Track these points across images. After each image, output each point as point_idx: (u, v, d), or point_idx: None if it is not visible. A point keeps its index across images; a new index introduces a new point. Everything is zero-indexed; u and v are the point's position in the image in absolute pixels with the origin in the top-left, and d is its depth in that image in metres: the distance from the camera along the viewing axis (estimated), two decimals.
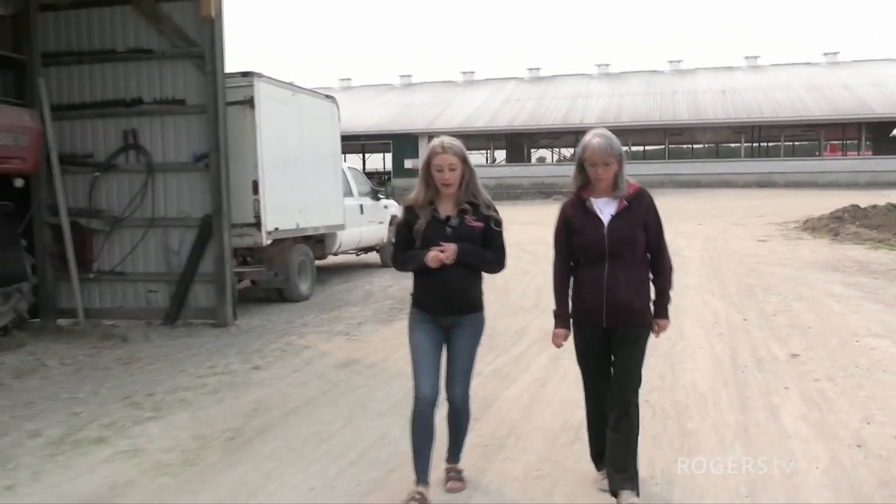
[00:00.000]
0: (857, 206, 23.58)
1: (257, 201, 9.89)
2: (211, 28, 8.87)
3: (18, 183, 8.63)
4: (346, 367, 6.88)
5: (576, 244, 3.87)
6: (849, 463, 4.24)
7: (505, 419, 5.17)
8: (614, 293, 3.76)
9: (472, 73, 58.41)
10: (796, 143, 53.53)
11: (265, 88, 10.14)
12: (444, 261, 3.73)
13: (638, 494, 3.72)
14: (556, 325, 4.01)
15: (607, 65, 55.35)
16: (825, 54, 52.96)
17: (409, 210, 3.92)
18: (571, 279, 3.95)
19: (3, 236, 8.40)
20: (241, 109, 9.69)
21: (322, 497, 3.97)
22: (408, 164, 46.88)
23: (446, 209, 3.88)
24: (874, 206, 23.77)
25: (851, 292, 10.00)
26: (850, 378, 5.97)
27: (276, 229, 10.27)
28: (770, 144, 50.81)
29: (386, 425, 4.99)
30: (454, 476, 4.07)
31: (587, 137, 3.81)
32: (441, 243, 3.76)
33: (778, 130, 47.34)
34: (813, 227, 20.01)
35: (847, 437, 4.63)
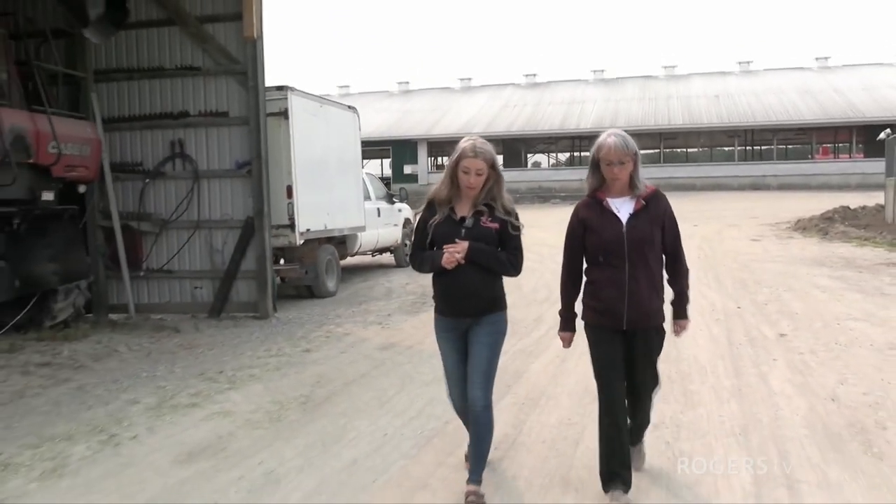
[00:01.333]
0: (847, 208, 24.58)
1: (291, 205, 10.81)
2: (253, 47, 9.79)
3: (82, 189, 9.51)
4: (387, 349, 7.78)
5: (593, 244, 3.84)
6: (823, 411, 5.17)
7: (535, 385, 6.09)
8: (635, 294, 3.75)
9: (470, 79, 59.11)
10: (789, 147, 54.49)
11: (297, 101, 11.07)
12: (458, 260, 3.74)
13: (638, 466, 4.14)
14: (563, 328, 4.04)
15: (602, 70, 56.13)
16: (817, 59, 53.84)
17: (430, 206, 3.94)
18: (584, 280, 3.94)
19: (68, 237, 9.26)
20: (276, 120, 10.60)
21: (395, 441, 4.86)
22: (407, 169, 47.73)
23: (463, 209, 3.88)
24: (863, 207, 24.80)
25: (836, 284, 10.93)
26: (830, 352, 6.89)
27: (308, 230, 11.18)
28: (763, 148, 51.64)
29: (434, 391, 5.86)
30: (473, 501, 3.79)
31: (602, 137, 3.82)
32: (456, 241, 3.78)
33: (771, 134, 48.26)
34: (804, 227, 20.93)
35: (823, 394, 5.56)
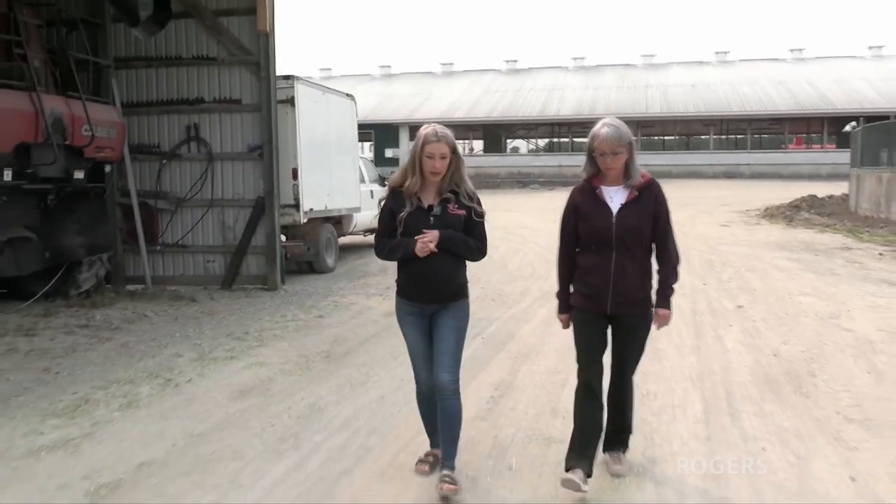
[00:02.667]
0: (815, 196, 25.76)
1: (296, 186, 11.69)
2: (266, 40, 10.62)
3: (108, 169, 10.32)
4: (391, 315, 8.50)
5: (583, 231, 3.90)
6: (766, 363, 6.22)
7: (526, 343, 7.08)
8: (620, 283, 3.80)
9: (451, 64, 59.62)
10: (763, 136, 55.85)
11: (302, 89, 11.93)
12: (431, 248, 3.78)
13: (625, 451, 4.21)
14: (560, 310, 4.10)
15: (582, 58, 56.89)
16: (791, 51, 54.98)
17: (396, 195, 3.94)
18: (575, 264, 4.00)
19: (94, 213, 10.07)
20: (283, 107, 11.43)
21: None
22: (388, 153, 48.34)
23: (429, 198, 3.90)
24: (830, 196, 26.02)
25: (794, 265, 12.02)
26: (779, 320, 7.94)
27: (311, 210, 12.07)
28: (738, 137, 52.93)
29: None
30: (448, 480, 3.88)
31: (596, 127, 3.83)
32: (424, 231, 3.81)
33: (745, 124, 49.41)
34: (771, 214, 22.09)
35: (768, 351, 6.62)
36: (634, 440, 4.32)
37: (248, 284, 11.04)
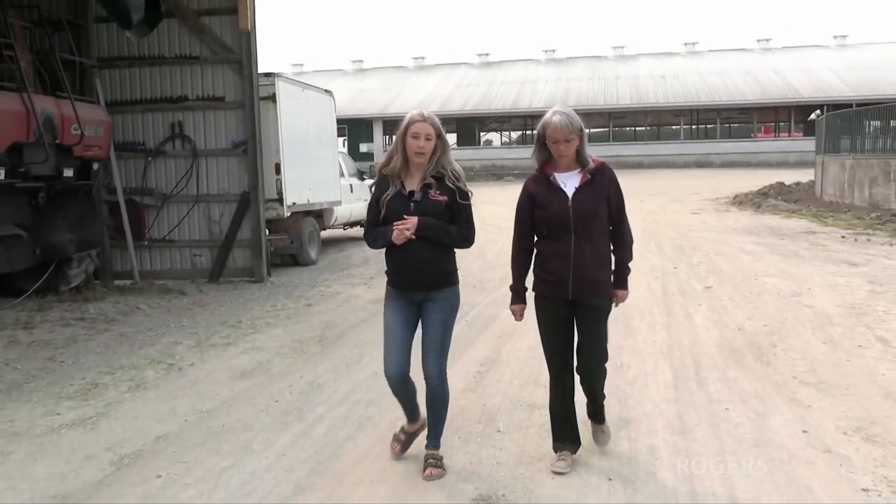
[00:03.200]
0: (783, 184, 26.46)
1: (279, 180, 12.02)
2: (248, 38, 10.92)
3: (95, 167, 10.57)
4: (378, 303, 8.84)
5: (540, 218, 3.95)
6: (731, 336, 6.70)
7: (507, 324, 7.42)
8: (580, 265, 3.85)
9: (423, 58, 59.77)
10: (732, 126, 56.78)
11: (283, 86, 12.25)
12: (407, 236, 3.78)
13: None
14: (513, 301, 4.15)
15: (554, 50, 57.45)
16: (759, 41, 55.88)
17: (382, 182, 3.98)
18: (535, 252, 4.05)
19: (83, 210, 10.32)
20: (265, 104, 11.73)
21: None
22: (363, 148, 48.50)
23: (412, 183, 3.91)
24: (797, 183, 26.74)
25: (760, 249, 12.56)
26: (744, 299, 8.43)
27: (294, 203, 12.40)
28: (708, 126, 53.74)
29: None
30: (433, 463, 3.98)
31: (547, 115, 3.89)
32: (405, 217, 3.81)
33: (714, 113, 50.22)
34: (740, 201, 22.71)
35: (733, 326, 7.10)
36: (614, 397, 4.77)
37: (234, 277, 11.35)
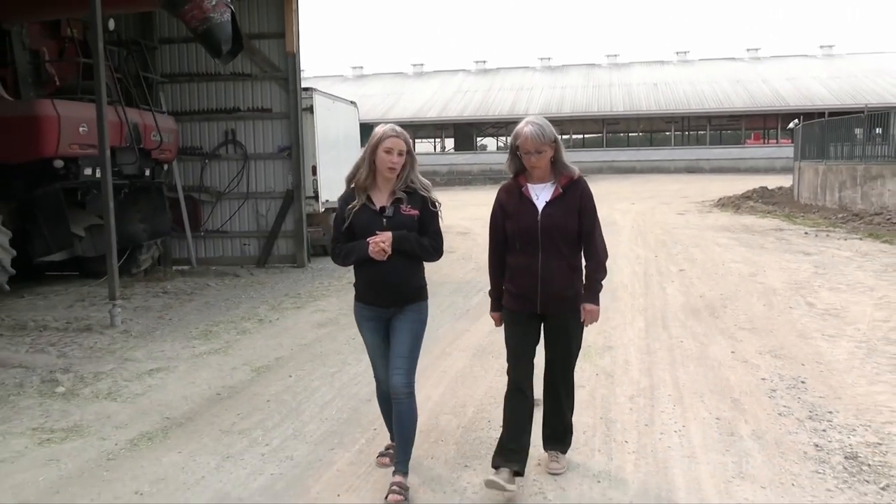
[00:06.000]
0: (766, 188, 28.32)
1: (315, 180, 13.90)
2: (294, 59, 12.82)
3: (165, 168, 12.43)
4: None
5: (510, 230, 3.87)
6: (693, 302, 8.62)
7: None
8: (548, 282, 3.79)
9: (422, 65, 61.63)
10: (721, 132, 58.79)
11: (319, 99, 14.14)
12: (384, 250, 3.71)
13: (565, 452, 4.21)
14: (492, 308, 4.11)
15: (549, 58, 59.40)
16: (748, 50, 58.00)
17: (348, 197, 3.90)
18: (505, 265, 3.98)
19: (155, 204, 12.18)
20: (305, 115, 13.63)
21: (447, 311, 8.07)
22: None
23: (381, 199, 3.85)
24: (780, 188, 28.62)
25: (731, 242, 14.47)
26: (710, 278, 10.34)
27: (327, 200, 14.26)
28: (698, 133, 55.66)
29: (443, 299, 9.08)
30: (397, 490, 3.80)
31: (520, 125, 3.80)
32: (377, 233, 3.75)
33: (705, 120, 52.24)
34: (724, 204, 24.61)
35: (696, 295, 9.02)
36: (600, 336, 6.64)
37: (279, 263, 13.23)
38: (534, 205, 3.83)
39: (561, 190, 3.83)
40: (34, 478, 4.18)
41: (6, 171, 9.90)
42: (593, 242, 3.92)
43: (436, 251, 3.90)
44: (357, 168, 3.89)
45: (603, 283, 4.02)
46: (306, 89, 13.84)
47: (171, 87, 13.36)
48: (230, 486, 4.04)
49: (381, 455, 4.30)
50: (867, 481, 3.91)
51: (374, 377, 4.15)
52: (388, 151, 3.77)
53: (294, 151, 12.99)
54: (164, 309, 9.21)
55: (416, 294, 3.92)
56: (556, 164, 3.84)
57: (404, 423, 3.87)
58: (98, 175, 10.58)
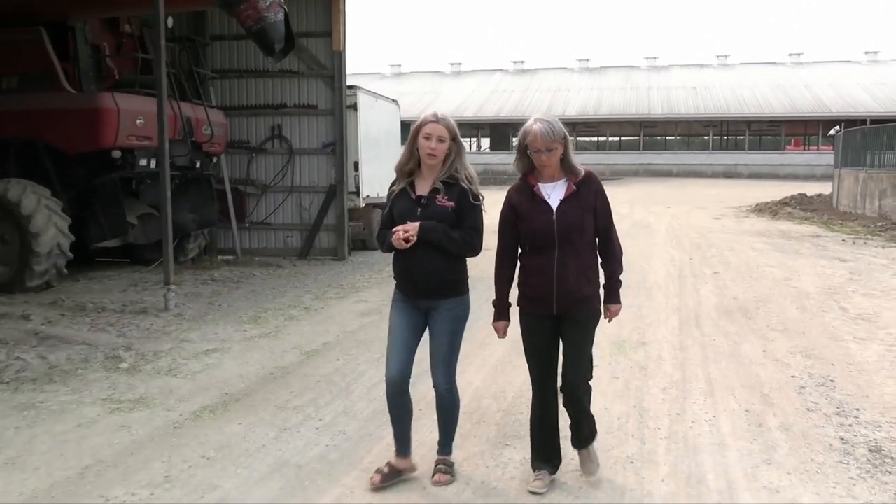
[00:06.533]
0: (804, 195, 28.16)
1: (357, 176, 14.26)
2: (340, 58, 13.20)
3: (214, 160, 12.88)
4: None
5: (524, 231, 3.79)
6: (727, 303, 8.80)
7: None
8: (564, 281, 3.69)
9: (460, 64, 61.87)
10: (761, 138, 58.28)
11: (362, 97, 14.49)
12: (406, 238, 3.66)
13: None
14: (496, 318, 3.97)
15: (587, 59, 59.28)
16: (790, 55, 57.22)
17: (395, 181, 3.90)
18: (518, 266, 3.90)
19: (204, 195, 12.61)
20: (348, 111, 13.98)
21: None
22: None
23: (423, 188, 3.81)
24: (819, 195, 28.43)
25: (767, 247, 14.56)
26: (744, 281, 10.49)
27: (368, 196, 14.62)
28: (737, 138, 55.23)
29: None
30: (443, 469, 3.97)
31: (528, 123, 3.73)
32: (409, 222, 3.71)
33: (744, 125, 51.79)
34: (761, 209, 24.56)
35: (730, 296, 9.19)
36: (635, 332, 6.87)
37: (320, 256, 13.61)
38: (547, 203, 3.76)
39: (575, 187, 3.76)
40: (109, 440, 4.55)
41: (67, 160, 10.40)
42: (610, 241, 3.87)
43: (468, 245, 3.76)
44: (404, 154, 3.90)
45: (622, 278, 3.99)
46: (350, 87, 14.19)
47: (221, 82, 13.80)
48: (289, 454, 4.37)
49: (377, 471, 4.01)
50: (889, 472, 4.12)
51: (385, 368, 3.96)
52: (428, 137, 3.73)
53: (338, 147, 13.36)
54: (214, 295, 9.61)
55: (449, 288, 3.82)
56: (565, 163, 3.78)
57: (447, 414, 3.98)
58: (153, 166, 11.10)
